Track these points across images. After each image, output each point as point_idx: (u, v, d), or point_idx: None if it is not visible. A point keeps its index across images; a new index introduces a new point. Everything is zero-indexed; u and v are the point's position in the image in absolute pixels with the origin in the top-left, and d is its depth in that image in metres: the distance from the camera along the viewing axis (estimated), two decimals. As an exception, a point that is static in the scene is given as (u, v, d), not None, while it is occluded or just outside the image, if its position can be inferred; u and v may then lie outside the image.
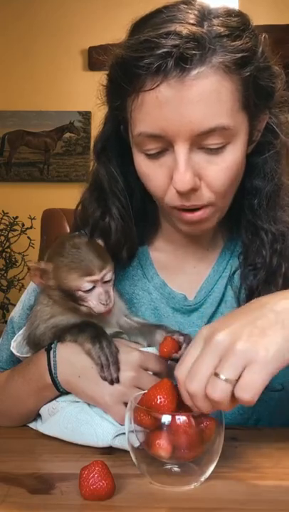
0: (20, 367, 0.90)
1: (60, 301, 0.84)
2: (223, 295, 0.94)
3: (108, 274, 0.82)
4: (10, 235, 3.46)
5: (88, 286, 0.80)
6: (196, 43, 0.73)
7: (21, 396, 0.86)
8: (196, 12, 0.77)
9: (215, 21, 0.76)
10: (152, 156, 0.81)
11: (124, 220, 0.92)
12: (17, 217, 3.43)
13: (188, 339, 0.80)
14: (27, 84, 3.64)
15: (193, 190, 0.80)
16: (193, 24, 0.74)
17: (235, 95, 0.77)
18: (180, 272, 0.97)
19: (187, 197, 0.81)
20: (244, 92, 0.78)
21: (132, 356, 0.80)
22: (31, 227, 3.29)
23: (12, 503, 0.64)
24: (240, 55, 0.76)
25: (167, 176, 0.80)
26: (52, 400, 0.84)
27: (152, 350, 0.84)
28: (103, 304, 0.80)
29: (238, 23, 0.77)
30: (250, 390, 0.59)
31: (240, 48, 0.76)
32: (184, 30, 0.73)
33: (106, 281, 0.82)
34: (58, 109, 3.71)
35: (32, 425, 0.87)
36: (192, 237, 0.93)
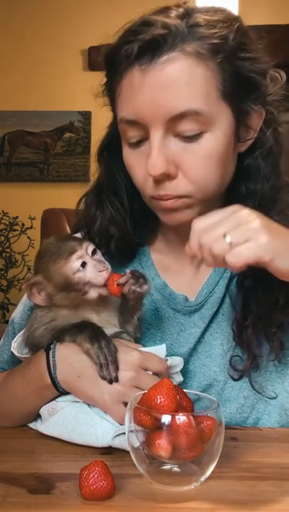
0: (20, 367, 0.90)
1: (65, 303, 0.83)
2: (224, 296, 0.93)
3: (90, 246, 0.83)
4: (10, 234, 3.45)
5: (78, 263, 0.80)
6: (167, 30, 0.77)
7: (21, 396, 0.86)
8: (180, 10, 0.80)
9: (195, 15, 0.79)
10: (134, 146, 0.83)
11: (117, 211, 0.93)
12: (17, 217, 3.43)
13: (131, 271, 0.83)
14: (27, 84, 3.64)
15: (168, 177, 0.81)
16: (168, 16, 0.78)
17: (211, 82, 0.78)
18: (181, 272, 0.97)
19: (162, 186, 0.81)
20: (223, 80, 0.79)
21: (131, 356, 0.80)
22: (31, 227, 3.29)
23: (12, 503, 0.64)
24: (213, 41, 0.78)
25: (145, 165, 0.81)
26: (52, 400, 0.84)
27: (152, 350, 0.84)
28: (101, 271, 0.81)
29: (218, 17, 0.80)
30: (236, 257, 0.68)
31: (214, 35, 0.78)
32: (157, 19, 0.77)
33: (93, 255, 0.82)
34: (58, 109, 3.70)
35: (32, 425, 0.87)
36: (185, 237, 0.93)
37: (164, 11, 0.81)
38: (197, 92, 0.78)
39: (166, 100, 0.77)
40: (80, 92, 3.50)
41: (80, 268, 0.81)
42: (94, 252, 0.83)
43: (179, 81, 0.77)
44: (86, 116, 3.69)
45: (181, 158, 0.80)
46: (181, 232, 0.92)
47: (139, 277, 0.83)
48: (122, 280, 0.82)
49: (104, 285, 0.81)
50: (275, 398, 0.90)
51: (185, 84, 0.77)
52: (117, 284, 0.81)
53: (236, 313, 0.89)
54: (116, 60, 0.81)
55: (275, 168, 0.88)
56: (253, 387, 0.89)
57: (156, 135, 0.79)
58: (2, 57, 3.65)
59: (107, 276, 0.81)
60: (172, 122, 0.78)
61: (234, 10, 2.26)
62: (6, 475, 0.70)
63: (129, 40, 0.78)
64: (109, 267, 0.83)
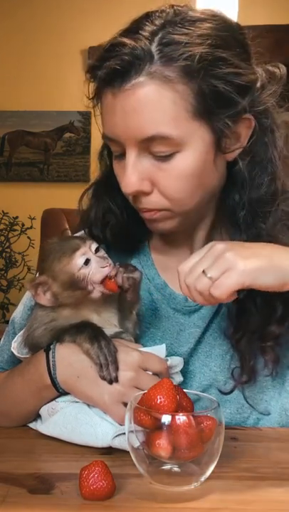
0: (19, 368, 0.90)
1: (70, 301, 0.83)
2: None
3: (93, 244, 0.83)
4: (10, 235, 3.46)
5: (82, 259, 0.81)
6: (133, 56, 0.76)
7: (21, 396, 0.86)
8: (157, 22, 0.77)
9: (174, 30, 0.76)
10: (118, 158, 0.85)
11: (113, 201, 0.94)
12: (17, 217, 3.43)
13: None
14: (27, 84, 3.64)
15: (143, 193, 0.82)
16: (139, 35, 0.76)
17: (180, 104, 0.77)
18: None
19: (139, 200, 0.84)
20: (193, 100, 0.77)
21: (131, 356, 0.80)
22: (31, 227, 3.29)
23: (12, 503, 0.64)
24: (181, 64, 0.75)
25: None
26: (51, 400, 0.84)
27: (152, 350, 0.84)
28: (104, 267, 0.81)
29: (194, 31, 0.76)
30: (220, 288, 0.73)
31: (181, 56, 0.75)
32: (124, 43, 0.76)
33: (96, 252, 0.83)
34: (58, 109, 3.70)
35: (32, 425, 0.87)
36: (183, 237, 0.94)
37: (138, 27, 0.78)
38: (165, 117, 0.77)
39: (135, 124, 0.78)
40: (79, 92, 3.51)
41: (84, 265, 0.81)
42: (97, 250, 0.83)
43: (146, 106, 0.77)
44: (86, 116, 3.68)
45: (155, 175, 0.81)
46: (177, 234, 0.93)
47: (127, 265, 0.85)
48: (113, 272, 0.82)
49: (102, 283, 0.82)
50: (268, 415, 0.90)
51: (152, 109, 0.77)
52: (109, 278, 0.82)
53: (230, 322, 0.89)
54: (94, 81, 0.82)
55: (265, 177, 0.85)
56: (245, 399, 0.89)
57: (131, 154, 0.80)
58: (2, 58, 3.65)
59: (108, 272, 0.81)
60: (145, 143, 0.79)
61: (234, 10, 2.25)
62: (6, 475, 0.70)
63: (98, 66, 0.79)
64: (112, 263, 0.83)
